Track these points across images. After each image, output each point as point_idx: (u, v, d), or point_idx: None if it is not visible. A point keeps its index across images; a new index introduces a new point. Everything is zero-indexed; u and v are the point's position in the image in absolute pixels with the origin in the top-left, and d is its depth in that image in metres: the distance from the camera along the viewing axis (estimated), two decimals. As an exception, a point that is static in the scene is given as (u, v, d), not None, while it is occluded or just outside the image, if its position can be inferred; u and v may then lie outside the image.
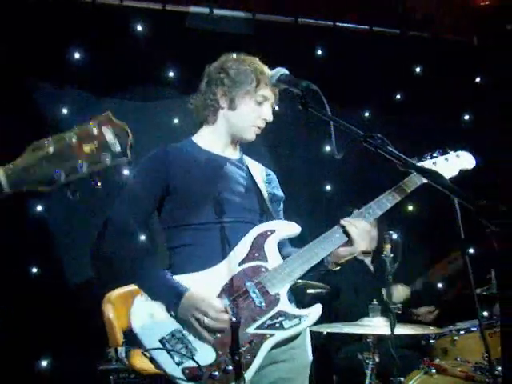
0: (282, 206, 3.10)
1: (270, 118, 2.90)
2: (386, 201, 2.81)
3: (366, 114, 6.30)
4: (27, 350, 4.68)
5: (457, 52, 6.44)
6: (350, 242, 2.72)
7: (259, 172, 3.02)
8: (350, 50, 6.05)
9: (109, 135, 1.74)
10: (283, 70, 2.51)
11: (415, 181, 2.85)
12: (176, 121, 5.38)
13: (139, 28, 5.35)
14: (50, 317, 4.72)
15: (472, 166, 3.00)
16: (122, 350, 4.01)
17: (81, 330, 4.66)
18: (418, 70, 6.53)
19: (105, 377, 4.08)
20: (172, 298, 2.60)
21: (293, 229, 2.86)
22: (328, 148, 5.99)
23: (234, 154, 2.99)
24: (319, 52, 6.10)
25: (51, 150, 1.68)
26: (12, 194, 1.64)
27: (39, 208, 5.00)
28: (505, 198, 6.28)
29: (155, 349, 2.54)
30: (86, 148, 1.70)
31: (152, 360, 2.55)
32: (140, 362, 3.76)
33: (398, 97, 6.48)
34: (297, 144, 5.95)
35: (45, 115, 4.99)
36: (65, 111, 5.08)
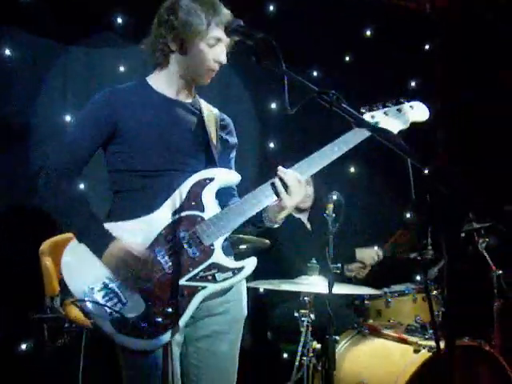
0: (234, 153, 3.05)
1: (224, 60, 2.78)
2: (330, 152, 2.73)
3: (315, 74, 6.26)
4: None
5: (408, 18, 6.47)
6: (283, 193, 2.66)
7: (213, 117, 2.93)
8: (301, 9, 5.99)
9: None
10: (239, 21, 2.47)
11: (360, 135, 2.75)
12: (122, 69, 5.27)
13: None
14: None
15: (425, 118, 2.94)
16: (57, 299, 3.96)
17: (15, 277, 4.58)
18: (368, 32, 6.52)
19: (39, 326, 4.04)
20: (98, 245, 2.56)
21: (232, 177, 2.81)
22: (273, 105, 5.96)
23: (187, 97, 2.88)
24: (271, 8, 6.02)
25: None
26: None
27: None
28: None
29: (82, 300, 2.51)
30: None
31: (82, 310, 2.52)
32: (75, 312, 3.72)
33: (347, 58, 6.47)
34: (242, 98, 5.89)
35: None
36: (8, 52, 4.90)
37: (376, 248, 5.22)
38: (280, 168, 2.67)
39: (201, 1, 2.74)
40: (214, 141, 2.86)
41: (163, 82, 2.83)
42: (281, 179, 2.65)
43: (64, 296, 3.89)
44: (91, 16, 5.14)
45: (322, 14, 6.01)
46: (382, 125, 2.80)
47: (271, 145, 6.05)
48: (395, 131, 2.85)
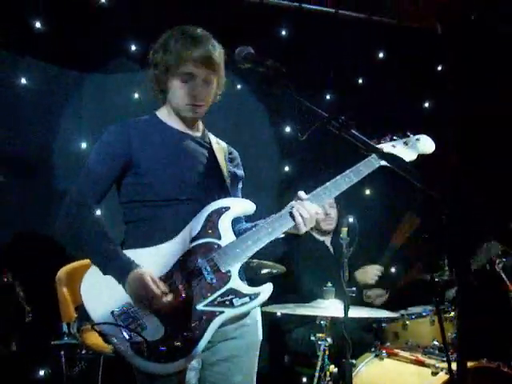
0: (241, 185, 3.10)
1: (200, 96, 2.80)
2: (343, 181, 2.81)
3: (328, 97, 6.29)
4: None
5: (420, 39, 6.49)
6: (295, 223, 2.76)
7: (222, 150, 3.00)
8: (313, 32, 6.04)
9: None
10: (249, 49, 2.48)
11: (373, 163, 2.85)
12: (136, 95, 5.32)
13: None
14: (2, 291, 4.65)
15: (431, 151, 3.00)
16: (74, 325, 3.99)
17: (33, 304, 4.60)
18: (380, 55, 6.55)
19: (56, 352, 4.05)
20: (121, 273, 2.58)
21: (248, 206, 2.85)
22: (288, 129, 5.99)
23: (196, 131, 2.96)
24: (283, 33, 6.06)
25: None
26: None
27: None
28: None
29: (103, 323, 2.52)
30: None
31: (101, 334, 2.53)
32: (92, 338, 3.74)
33: (360, 81, 6.49)
34: (257, 124, 5.92)
35: (3, 84, 4.89)
36: (24, 81, 4.97)
37: (368, 267, 5.19)
38: (300, 202, 2.76)
39: (178, 35, 2.80)
40: (225, 172, 2.92)
41: (170, 116, 2.91)
42: (298, 210, 2.73)
43: (81, 322, 3.94)
44: (105, 43, 5.21)
45: (333, 37, 6.04)
46: None
47: (286, 168, 6.07)
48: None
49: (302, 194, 2.78)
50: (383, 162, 2.82)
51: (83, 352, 4.05)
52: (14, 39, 4.93)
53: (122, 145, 2.75)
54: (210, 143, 2.97)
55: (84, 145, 5.08)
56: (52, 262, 4.50)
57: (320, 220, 4.85)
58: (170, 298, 2.56)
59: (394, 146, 2.94)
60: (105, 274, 2.61)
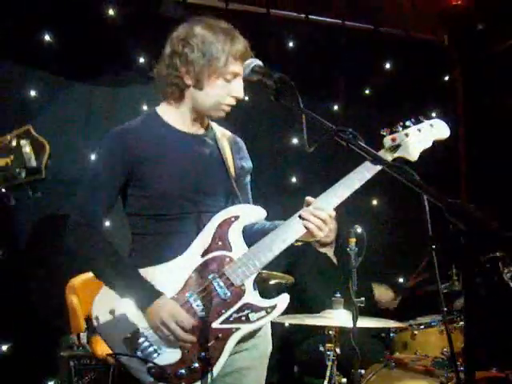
0: (249, 177, 2.97)
1: (242, 96, 2.70)
2: (356, 179, 2.66)
3: (335, 108, 6.31)
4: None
5: (427, 50, 6.51)
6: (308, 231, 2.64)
7: (227, 142, 2.88)
8: (321, 44, 6.07)
9: (26, 149, 1.68)
10: (257, 61, 2.45)
11: (386, 156, 2.73)
12: (145, 107, 5.35)
13: (111, 13, 5.29)
14: (12, 302, 4.68)
15: (446, 136, 2.85)
16: (84, 336, 4.00)
17: (42, 315, 4.63)
18: (388, 66, 6.57)
19: (66, 363, 4.06)
20: (143, 300, 2.51)
21: (258, 213, 2.73)
22: (295, 140, 6.01)
23: (201, 128, 2.81)
24: (290, 44, 6.09)
25: None
26: None
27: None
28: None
29: (120, 355, 2.48)
30: (2, 161, 1.66)
31: (117, 361, 2.51)
32: (102, 348, 3.75)
33: (367, 92, 6.51)
34: (263, 135, 5.94)
35: (13, 97, 4.93)
36: (33, 93, 5.01)
37: (390, 290, 5.25)
38: (308, 208, 2.64)
39: (216, 29, 2.67)
40: (232, 171, 2.81)
41: (176, 115, 2.76)
42: (312, 215, 2.61)
43: (90, 333, 3.96)
44: (114, 56, 5.25)
45: (341, 47, 6.07)
46: (404, 147, 2.75)
47: (293, 179, 6.08)
48: (418, 152, 2.76)
49: (309, 198, 2.67)
50: (397, 154, 2.74)
51: (93, 363, 4.06)
52: (24, 52, 4.97)
53: (120, 156, 2.62)
54: (215, 139, 2.83)
55: (93, 157, 5.10)
56: (60, 274, 4.54)
57: None
58: (191, 324, 2.50)
59: (407, 135, 2.76)
60: (122, 297, 2.54)
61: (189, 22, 2.75)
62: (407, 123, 2.81)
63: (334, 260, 5.31)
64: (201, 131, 2.81)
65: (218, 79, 2.64)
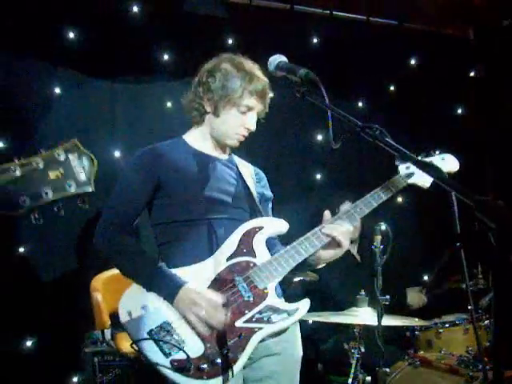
0: (270, 205, 3.15)
1: (253, 128, 2.93)
2: (372, 200, 2.87)
3: (360, 104, 6.28)
4: (12, 330, 4.65)
5: (452, 45, 6.46)
6: (333, 243, 2.80)
7: (248, 171, 3.07)
8: (345, 40, 6.04)
9: (75, 163, 1.74)
10: (282, 58, 2.47)
11: (401, 182, 2.93)
12: (169, 104, 5.36)
13: (135, 9, 5.30)
14: (37, 297, 4.71)
15: (456, 169, 3.02)
16: (108, 333, 4.02)
17: (67, 311, 4.65)
18: (412, 62, 6.52)
19: (90, 359, 4.08)
20: (170, 290, 2.60)
21: (281, 226, 2.87)
22: (320, 137, 5.98)
23: (222, 154, 3.03)
24: (314, 40, 6.07)
25: (17, 173, 1.67)
26: None
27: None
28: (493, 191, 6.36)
29: (144, 339, 2.54)
30: (52, 174, 1.70)
31: (140, 352, 2.55)
32: (126, 345, 3.76)
33: (392, 88, 6.47)
34: (288, 132, 5.93)
35: (37, 94, 4.95)
36: (57, 91, 5.03)
37: (415, 292, 5.25)
38: (328, 226, 2.79)
39: (239, 67, 2.91)
40: (254, 193, 2.99)
41: (199, 139, 2.99)
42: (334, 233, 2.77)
43: (115, 330, 3.97)
44: (138, 53, 5.26)
45: (366, 44, 6.03)
46: (417, 176, 2.95)
47: (318, 176, 6.06)
48: (430, 182, 2.96)
49: (327, 214, 2.83)
50: (411, 181, 2.95)
51: (117, 359, 4.07)
52: (49, 50, 4.99)
53: (149, 171, 2.80)
54: (236, 166, 3.04)
55: (117, 153, 5.13)
56: (85, 270, 4.56)
57: None
58: (221, 301, 2.59)
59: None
60: (149, 290, 2.64)
61: (219, 57, 2.99)
62: (419, 156, 2.93)
63: (358, 257, 5.28)
64: (223, 156, 3.03)
65: (232, 109, 2.89)
